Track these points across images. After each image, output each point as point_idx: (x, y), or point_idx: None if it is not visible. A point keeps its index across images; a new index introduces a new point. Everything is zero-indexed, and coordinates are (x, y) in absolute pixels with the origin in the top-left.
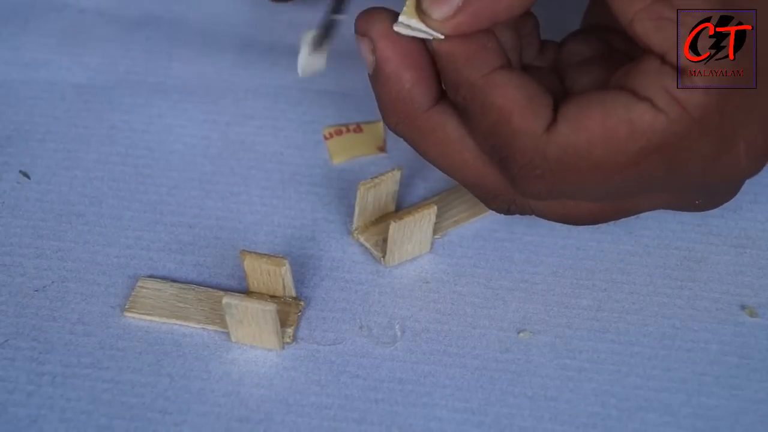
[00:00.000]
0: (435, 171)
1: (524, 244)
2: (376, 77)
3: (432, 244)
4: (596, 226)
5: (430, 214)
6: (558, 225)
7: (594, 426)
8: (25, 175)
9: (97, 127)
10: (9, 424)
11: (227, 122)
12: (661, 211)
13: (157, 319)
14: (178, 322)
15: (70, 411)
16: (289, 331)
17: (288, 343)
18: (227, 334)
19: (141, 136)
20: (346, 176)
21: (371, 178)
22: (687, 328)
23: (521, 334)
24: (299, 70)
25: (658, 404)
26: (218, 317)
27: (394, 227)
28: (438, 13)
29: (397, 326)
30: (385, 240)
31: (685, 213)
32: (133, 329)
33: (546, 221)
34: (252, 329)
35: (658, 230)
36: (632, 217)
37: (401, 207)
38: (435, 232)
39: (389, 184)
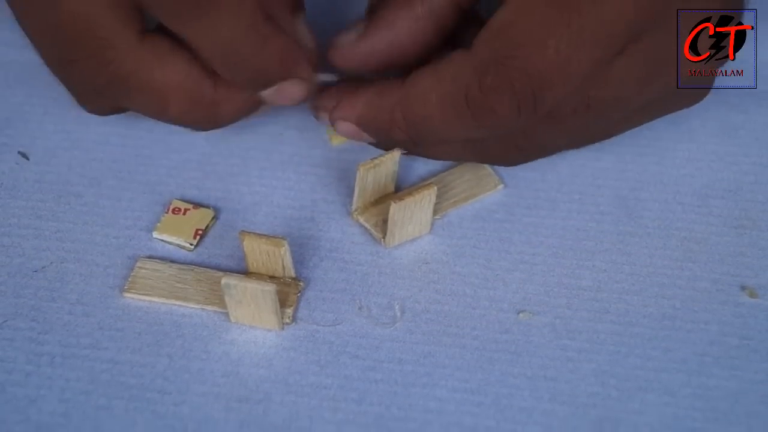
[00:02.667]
0: None
1: (524, 225)
2: None
3: (432, 224)
4: (597, 207)
5: (430, 194)
6: (559, 206)
7: (594, 406)
8: (24, 156)
9: None
10: (8, 404)
11: None
12: (662, 192)
13: (156, 299)
14: (177, 302)
15: (69, 391)
16: (289, 311)
17: (287, 323)
18: (226, 314)
19: (140, 116)
20: (345, 157)
21: (371, 159)
22: (687, 309)
23: (521, 315)
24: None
25: (657, 385)
26: (217, 298)
27: (394, 208)
28: None
29: (396, 307)
30: (384, 221)
31: (685, 194)
32: (132, 310)
33: (546, 202)
34: (251, 309)
35: (659, 211)
36: (632, 198)
37: (401, 188)
38: (435, 212)
39: (389, 164)
